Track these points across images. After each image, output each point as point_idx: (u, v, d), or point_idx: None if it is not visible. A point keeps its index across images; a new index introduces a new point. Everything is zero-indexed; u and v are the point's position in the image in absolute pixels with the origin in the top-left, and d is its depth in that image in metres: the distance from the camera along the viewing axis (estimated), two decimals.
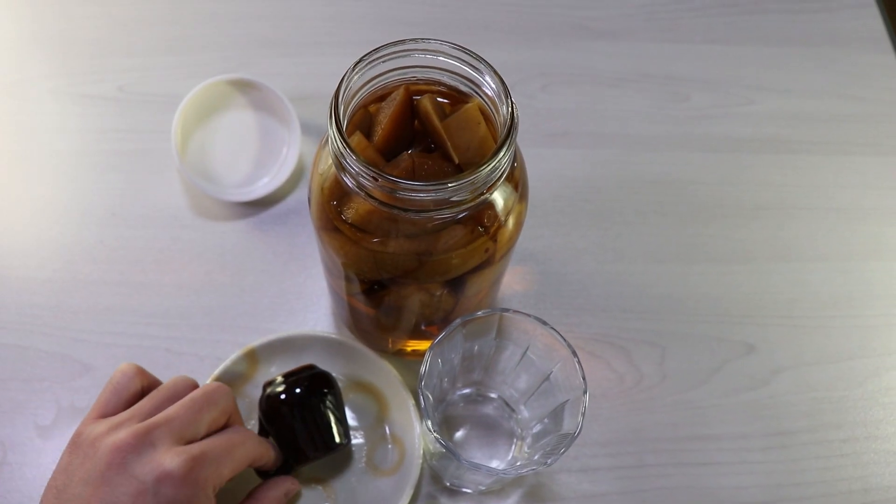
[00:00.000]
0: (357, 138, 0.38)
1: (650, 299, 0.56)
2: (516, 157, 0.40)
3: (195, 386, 0.43)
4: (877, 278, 0.58)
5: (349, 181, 0.35)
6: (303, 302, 0.55)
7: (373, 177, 0.34)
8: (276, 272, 0.56)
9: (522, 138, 0.61)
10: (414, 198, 0.34)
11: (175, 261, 0.56)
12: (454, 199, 0.34)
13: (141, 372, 0.44)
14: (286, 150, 0.57)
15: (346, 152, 0.34)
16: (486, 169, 0.34)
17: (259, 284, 0.55)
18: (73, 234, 0.57)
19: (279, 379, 0.47)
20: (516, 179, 0.40)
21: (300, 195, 0.58)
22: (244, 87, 0.57)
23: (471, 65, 0.38)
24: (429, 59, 0.39)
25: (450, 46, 0.38)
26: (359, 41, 0.65)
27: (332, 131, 0.35)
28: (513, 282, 0.56)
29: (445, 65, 0.39)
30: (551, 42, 0.67)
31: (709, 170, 0.62)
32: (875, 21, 0.70)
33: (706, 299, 0.57)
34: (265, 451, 0.43)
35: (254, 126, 0.58)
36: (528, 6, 0.68)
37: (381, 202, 0.35)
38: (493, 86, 0.37)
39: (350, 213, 0.38)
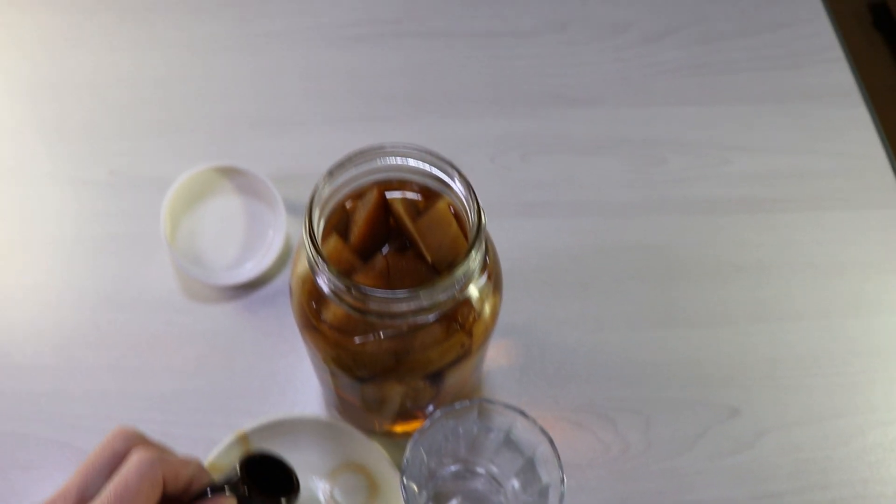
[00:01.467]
0: (333, 242, 0.39)
1: (633, 366, 0.57)
2: (488, 249, 0.42)
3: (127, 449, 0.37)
4: (857, 335, 0.59)
5: (325, 287, 0.37)
6: (293, 383, 0.56)
7: (346, 287, 0.35)
8: (266, 353, 0.57)
9: (502, 209, 0.63)
10: (388, 307, 0.35)
11: (168, 344, 0.57)
12: (427, 304, 0.36)
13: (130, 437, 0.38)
14: (272, 232, 0.59)
15: (320, 263, 0.35)
16: (458, 273, 0.35)
17: (250, 366, 0.56)
18: (69, 320, 0.58)
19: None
20: (489, 271, 0.42)
21: (287, 277, 0.59)
22: (230, 173, 0.59)
23: (439, 167, 0.39)
24: (399, 162, 0.40)
25: (418, 151, 0.39)
26: (340, 118, 0.68)
27: (307, 241, 0.36)
28: (496, 355, 0.57)
29: (415, 167, 0.40)
30: (528, 111, 0.68)
31: (686, 232, 0.63)
32: (845, 74, 0.71)
33: (688, 364, 0.58)
34: (178, 470, 0.36)
35: (240, 210, 0.59)
36: (505, 76, 0.70)
37: (355, 309, 0.36)
38: (462, 189, 0.38)
39: (328, 316, 0.39)
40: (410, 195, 0.41)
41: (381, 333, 0.39)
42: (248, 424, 0.52)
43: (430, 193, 0.42)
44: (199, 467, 0.38)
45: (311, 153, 0.65)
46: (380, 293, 0.34)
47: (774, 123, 0.69)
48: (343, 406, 0.51)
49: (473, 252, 0.35)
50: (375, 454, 0.51)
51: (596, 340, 0.58)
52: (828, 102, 0.70)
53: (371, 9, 0.74)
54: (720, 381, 0.57)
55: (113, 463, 0.36)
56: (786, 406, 0.56)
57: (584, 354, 0.58)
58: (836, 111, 0.70)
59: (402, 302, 0.35)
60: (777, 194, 0.65)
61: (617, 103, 0.69)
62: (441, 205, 0.40)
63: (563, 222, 0.63)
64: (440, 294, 0.35)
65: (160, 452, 0.36)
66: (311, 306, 0.40)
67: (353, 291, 0.35)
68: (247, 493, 0.38)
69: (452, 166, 0.38)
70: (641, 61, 0.71)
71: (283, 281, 0.59)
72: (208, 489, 0.38)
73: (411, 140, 0.66)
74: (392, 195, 0.41)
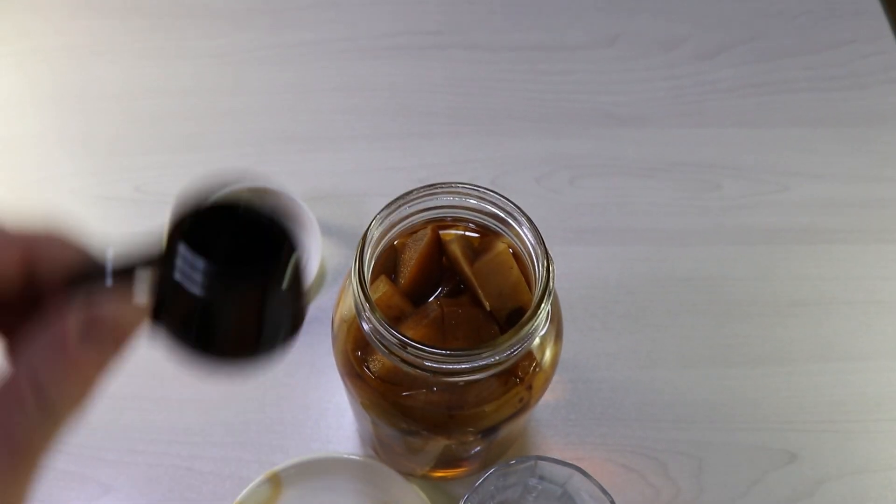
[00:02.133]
0: (382, 286, 0.36)
1: (685, 407, 0.54)
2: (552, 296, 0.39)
3: None
4: None
5: (372, 337, 0.34)
6: (327, 417, 0.53)
7: (399, 343, 0.32)
8: (299, 385, 0.54)
9: (548, 235, 0.59)
10: (444, 365, 0.32)
11: (195, 375, 0.54)
12: (489, 362, 0.33)
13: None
14: (306, 256, 0.56)
15: (370, 313, 0.32)
16: (525, 330, 0.32)
17: (281, 399, 0.53)
18: None
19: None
20: (552, 318, 0.38)
21: (322, 303, 0.56)
22: (261, 193, 0.56)
23: (504, 209, 0.36)
24: (457, 200, 0.37)
25: (479, 191, 0.36)
26: (377, 135, 0.65)
27: (355, 286, 0.33)
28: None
29: (474, 205, 0.37)
30: (577, 130, 0.65)
31: (742, 264, 0.59)
32: None
33: (743, 405, 0.54)
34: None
35: None
36: (552, 93, 0.67)
37: (406, 363, 0.33)
38: (530, 237, 0.35)
39: (375, 365, 0.36)
40: (467, 234, 0.38)
41: (434, 387, 0.36)
42: (281, 462, 0.49)
43: (487, 232, 0.39)
44: (51, 238, 0.23)
45: (346, 171, 0.62)
46: (435, 352, 0.31)
47: (836, 148, 0.65)
48: (382, 448, 0.48)
49: (542, 307, 0.32)
50: (414, 497, 0.48)
51: (647, 377, 0.55)
52: (892, 126, 0.66)
53: (410, 19, 0.71)
54: (777, 424, 0.54)
55: None
56: (848, 452, 0.53)
57: (634, 392, 0.54)
58: None
59: (462, 361, 0.32)
60: (838, 224, 0.62)
61: (669, 123, 0.66)
62: (501, 247, 0.37)
63: (612, 250, 0.59)
64: (504, 353, 0.32)
65: None
66: (356, 353, 0.37)
67: (408, 350, 0.32)
68: (177, 271, 0.22)
69: (520, 210, 0.35)
70: (694, 79, 0.68)
71: (317, 307, 0.56)
72: (107, 271, 0.22)
73: (451, 158, 0.64)
74: (446, 233, 0.38)
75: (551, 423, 0.53)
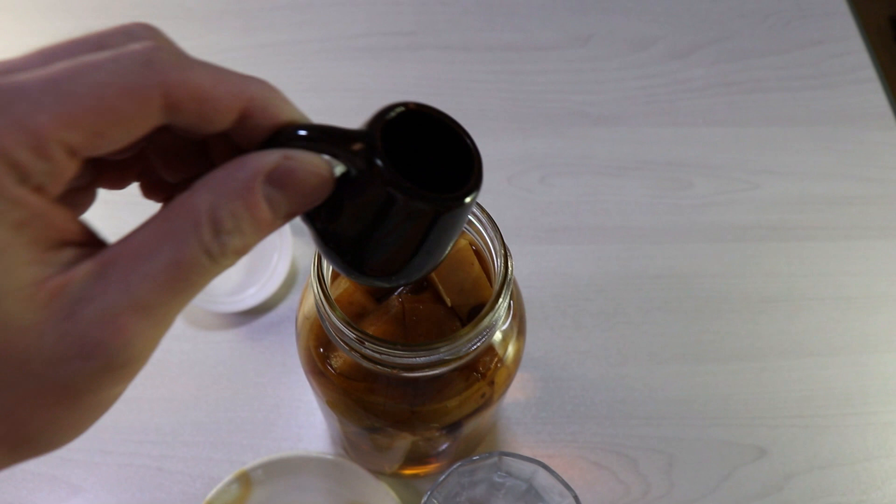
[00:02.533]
0: (344, 282, 0.36)
1: (656, 403, 0.54)
2: (513, 290, 0.39)
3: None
4: (890, 371, 0.56)
5: (333, 335, 0.34)
6: (297, 416, 0.53)
7: (358, 339, 0.32)
8: (270, 385, 0.54)
9: (520, 234, 0.60)
10: (404, 360, 0.32)
11: (166, 373, 0.54)
12: (448, 357, 0.33)
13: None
14: (277, 256, 0.56)
15: (329, 310, 0.32)
16: (483, 324, 0.32)
17: (252, 398, 0.53)
18: None
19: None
20: (514, 314, 0.39)
21: (293, 303, 0.56)
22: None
23: None
24: None
25: None
26: None
27: (314, 284, 0.33)
28: (512, 390, 0.54)
29: None
30: (549, 130, 0.65)
31: (713, 261, 0.60)
32: (878, 96, 0.68)
33: (714, 401, 0.55)
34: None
35: None
36: (525, 93, 0.67)
37: (367, 359, 0.33)
38: (488, 231, 0.35)
39: (337, 362, 0.36)
40: None
41: (395, 383, 0.36)
42: (251, 462, 0.49)
43: None
44: (270, 91, 0.22)
45: None
46: (395, 348, 0.31)
47: (805, 147, 0.66)
48: (350, 446, 0.48)
49: (501, 300, 0.32)
50: (383, 495, 0.48)
51: (618, 374, 0.55)
52: (860, 125, 0.67)
53: (383, 20, 0.71)
54: (747, 419, 0.54)
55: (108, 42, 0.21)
56: (816, 447, 0.53)
57: (605, 389, 0.55)
58: (869, 134, 0.67)
59: (422, 356, 0.32)
60: (808, 221, 0.62)
61: (641, 122, 0.66)
62: (462, 243, 0.37)
63: (584, 248, 0.60)
64: (463, 347, 0.32)
65: (188, 61, 0.20)
66: (319, 350, 0.37)
67: (367, 345, 0.32)
68: (383, 168, 0.21)
69: (478, 205, 0.35)
70: (666, 79, 0.68)
71: (287, 307, 0.56)
72: (299, 132, 0.22)
73: None
74: None
75: (522, 420, 0.53)
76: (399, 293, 0.37)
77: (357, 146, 0.22)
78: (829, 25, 0.72)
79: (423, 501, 0.38)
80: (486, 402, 0.38)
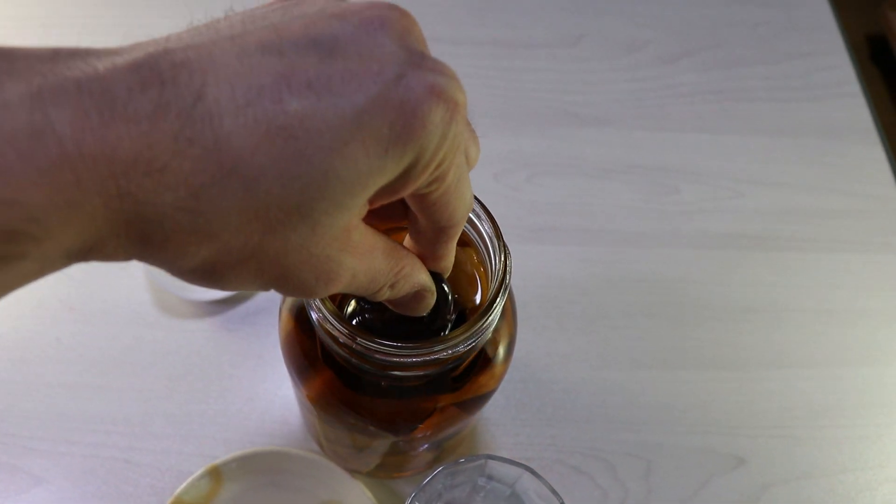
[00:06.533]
0: None
1: (636, 409, 0.54)
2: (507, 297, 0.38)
3: None
4: (868, 386, 0.57)
5: (320, 328, 0.33)
6: (272, 410, 0.51)
7: (348, 334, 0.31)
8: (244, 377, 0.52)
9: (506, 233, 0.59)
10: (394, 360, 0.31)
11: (137, 362, 0.53)
12: (442, 357, 0.32)
13: None
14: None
15: (319, 303, 0.31)
16: (479, 325, 0.31)
17: (226, 390, 0.52)
18: (27, 330, 0.53)
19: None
20: (505, 316, 0.38)
21: (270, 293, 0.55)
22: None
23: None
24: None
25: None
26: None
27: None
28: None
29: None
30: (537, 129, 0.64)
31: (698, 268, 0.60)
32: (862, 111, 0.69)
33: (694, 408, 0.54)
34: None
35: None
36: (514, 90, 0.66)
37: (355, 356, 0.32)
38: (489, 230, 0.34)
39: (322, 358, 0.35)
40: None
41: (382, 382, 0.35)
42: (222, 456, 0.47)
43: None
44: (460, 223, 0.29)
45: None
46: (388, 345, 0.30)
47: (790, 158, 0.66)
48: (328, 443, 0.47)
49: (498, 300, 0.31)
50: (359, 494, 0.47)
51: (599, 378, 0.55)
52: (845, 139, 0.67)
53: None
54: (726, 428, 0.54)
55: None
56: (794, 458, 0.53)
57: (585, 393, 0.54)
58: (853, 148, 0.67)
59: (413, 355, 0.31)
60: (791, 233, 0.62)
61: (629, 125, 0.66)
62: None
63: (569, 249, 0.59)
64: (457, 347, 0.31)
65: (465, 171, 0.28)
66: (304, 345, 0.36)
67: (357, 342, 0.30)
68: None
69: (479, 202, 0.34)
70: (656, 83, 0.68)
71: (264, 297, 0.55)
72: (438, 279, 0.31)
73: None
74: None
75: (501, 422, 0.53)
76: None
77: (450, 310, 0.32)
78: (817, 39, 0.72)
79: (407, 502, 0.37)
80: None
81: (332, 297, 0.34)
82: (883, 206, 0.64)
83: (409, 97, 0.21)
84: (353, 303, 0.34)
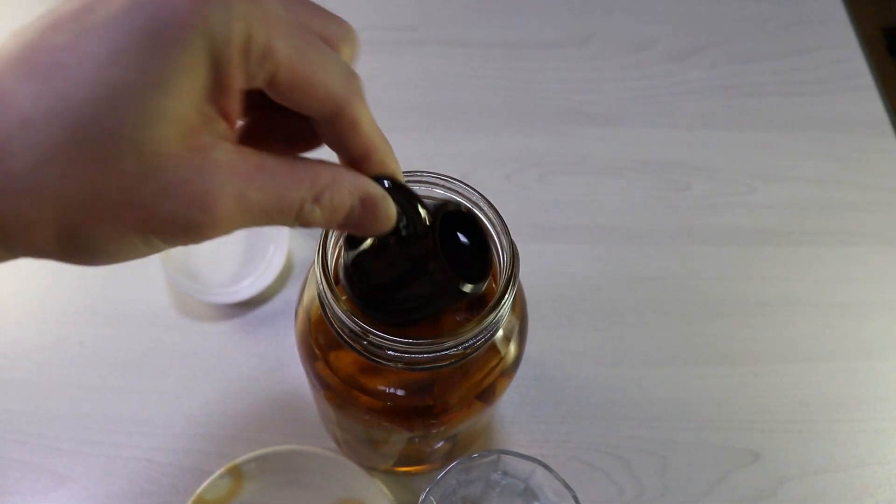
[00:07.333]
0: None
1: (651, 405, 0.54)
2: (518, 291, 0.38)
3: None
4: (884, 379, 0.56)
5: (336, 327, 0.33)
6: (290, 410, 0.52)
7: (361, 333, 0.31)
8: (263, 378, 0.53)
9: (517, 232, 0.59)
10: (406, 355, 0.32)
11: (157, 364, 0.54)
12: (452, 352, 0.32)
13: None
14: (273, 248, 0.55)
15: (333, 301, 0.32)
16: (488, 320, 0.32)
17: (245, 391, 0.53)
18: (51, 333, 0.54)
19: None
20: (517, 313, 0.38)
21: (288, 295, 0.56)
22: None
23: (469, 199, 0.36)
24: (423, 189, 0.37)
25: (445, 180, 0.36)
26: None
27: (319, 274, 0.33)
28: (508, 388, 0.53)
29: (440, 195, 0.37)
30: (548, 128, 0.65)
31: (710, 264, 0.60)
32: (875, 104, 0.69)
33: (708, 404, 0.55)
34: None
35: None
36: (524, 90, 0.67)
37: (369, 352, 0.33)
38: (497, 226, 0.35)
39: (338, 356, 0.36)
40: None
41: (397, 378, 0.35)
42: (242, 455, 0.48)
43: None
44: (358, 104, 0.26)
45: None
46: (400, 341, 0.31)
47: (802, 152, 0.66)
48: (345, 442, 0.48)
49: (507, 295, 0.32)
50: (375, 491, 0.48)
51: (612, 375, 0.55)
52: (857, 132, 0.67)
53: (382, 14, 0.70)
54: (741, 423, 0.54)
55: None
56: (810, 453, 0.53)
57: (599, 390, 0.54)
58: (866, 141, 0.67)
59: (424, 351, 0.31)
60: (804, 227, 0.62)
61: (640, 123, 0.66)
62: None
63: (581, 247, 0.60)
64: (467, 342, 0.32)
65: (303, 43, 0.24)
66: (319, 344, 0.37)
67: (370, 338, 0.31)
68: (433, 246, 0.29)
69: (485, 199, 0.34)
70: (666, 80, 0.68)
71: (283, 300, 0.56)
72: (384, 181, 0.27)
73: (422, 153, 0.64)
74: None
75: (516, 420, 0.53)
76: None
77: (426, 219, 0.29)
78: (827, 32, 0.72)
79: (421, 498, 0.38)
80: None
81: (336, 293, 0.35)
82: (895, 197, 0.64)
83: None
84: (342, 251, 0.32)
